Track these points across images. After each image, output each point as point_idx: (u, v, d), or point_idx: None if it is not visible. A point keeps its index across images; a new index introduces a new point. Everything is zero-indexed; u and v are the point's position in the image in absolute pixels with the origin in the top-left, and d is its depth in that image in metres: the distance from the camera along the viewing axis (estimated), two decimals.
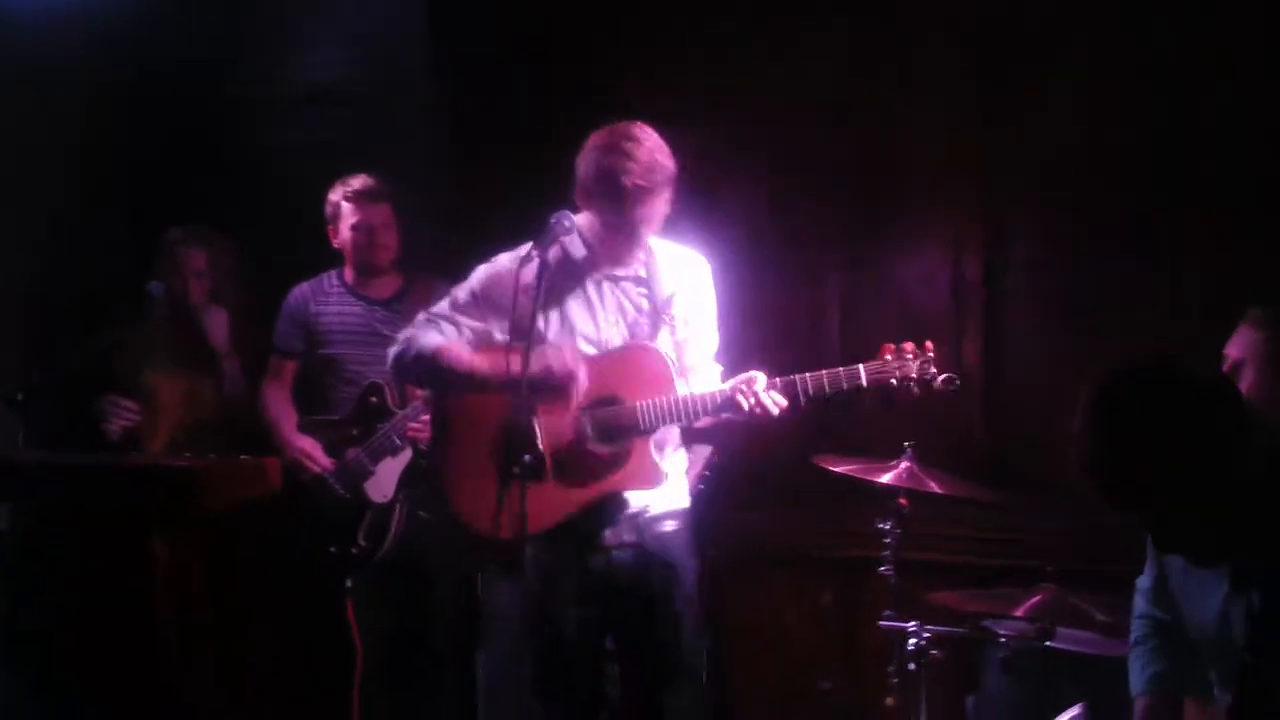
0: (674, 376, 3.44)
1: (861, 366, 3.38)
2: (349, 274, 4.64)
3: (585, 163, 3.45)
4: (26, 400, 3.84)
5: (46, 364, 4.01)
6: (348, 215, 4.55)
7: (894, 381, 3.35)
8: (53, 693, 4.19)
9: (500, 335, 3.53)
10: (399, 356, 3.61)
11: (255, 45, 5.58)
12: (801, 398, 3.40)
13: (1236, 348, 3.36)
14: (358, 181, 4.57)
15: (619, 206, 3.40)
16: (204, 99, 5.52)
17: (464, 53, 5.26)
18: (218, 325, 4.65)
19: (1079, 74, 4.56)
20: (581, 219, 3.49)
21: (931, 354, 3.40)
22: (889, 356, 3.37)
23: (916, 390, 3.38)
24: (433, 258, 4.78)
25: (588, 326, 3.53)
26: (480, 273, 3.62)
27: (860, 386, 3.37)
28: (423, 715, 4.59)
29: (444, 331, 3.58)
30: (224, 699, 4.69)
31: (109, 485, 3.97)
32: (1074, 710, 3.30)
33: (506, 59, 5.20)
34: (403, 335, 3.64)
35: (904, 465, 3.96)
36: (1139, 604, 2.85)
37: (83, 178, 5.44)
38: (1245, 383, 3.27)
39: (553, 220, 3.35)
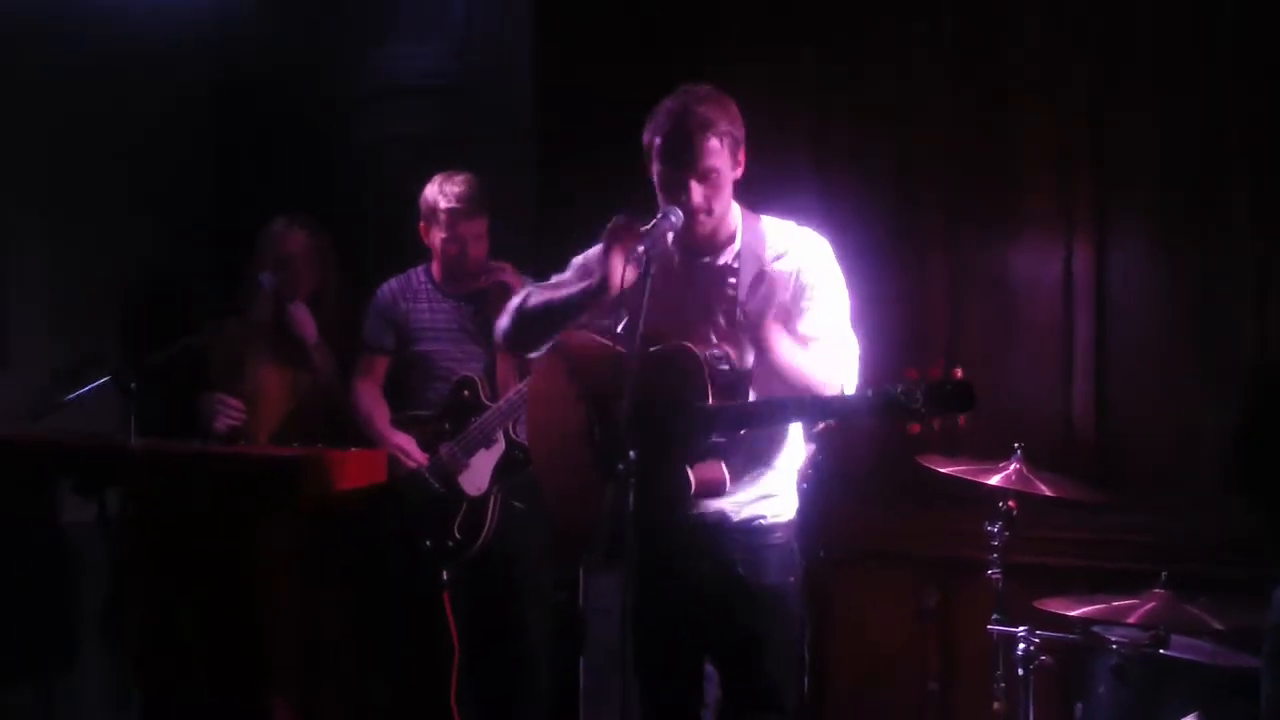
0: (707, 382, 3.22)
1: (869, 392, 3.09)
2: (437, 271, 4.62)
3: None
4: (140, 389, 3.87)
5: (154, 354, 4.02)
6: (442, 224, 4.49)
7: (900, 415, 3.00)
8: (152, 672, 4.24)
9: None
10: (513, 312, 3.47)
11: (351, 38, 5.59)
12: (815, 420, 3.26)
13: None
14: (456, 191, 4.47)
15: (653, 165, 3.30)
16: (299, 92, 5.55)
17: (566, 48, 5.23)
18: (303, 317, 4.65)
19: (1190, 62, 4.44)
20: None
21: (950, 386, 2.98)
22: (900, 387, 2.98)
23: (935, 426, 3.01)
24: (521, 252, 4.75)
25: (670, 318, 3.33)
26: (595, 249, 3.47)
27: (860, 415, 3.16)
28: (520, 709, 4.57)
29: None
30: (320, 690, 4.74)
31: (219, 474, 4.00)
32: None
33: (608, 55, 5.16)
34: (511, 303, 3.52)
35: (1013, 467, 3.87)
36: (1275, 614, 2.71)
37: (178, 172, 5.48)
38: None
39: (660, 214, 3.24)
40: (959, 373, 2.99)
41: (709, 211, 3.30)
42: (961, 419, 2.98)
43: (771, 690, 3.41)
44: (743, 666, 3.42)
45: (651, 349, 3.27)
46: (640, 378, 3.10)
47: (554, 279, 3.53)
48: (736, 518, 3.36)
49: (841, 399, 3.21)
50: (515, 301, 3.49)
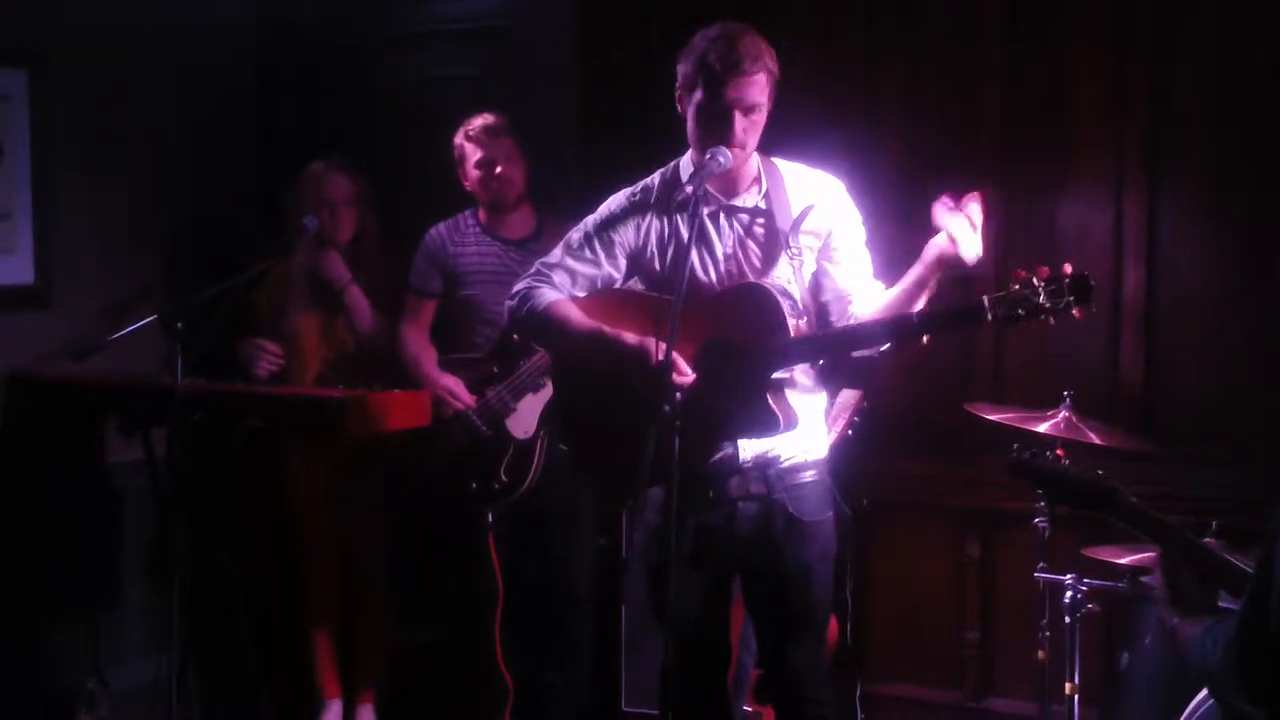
0: (787, 315, 3.20)
1: (985, 299, 3.03)
2: (483, 214, 4.62)
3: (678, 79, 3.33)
4: (186, 328, 3.87)
5: (198, 294, 4.03)
6: (470, 155, 4.53)
7: (1021, 313, 3.00)
8: (195, 612, 4.27)
9: (616, 275, 3.41)
10: (512, 312, 3.44)
11: None
12: (921, 336, 3.14)
13: None
14: (478, 120, 4.54)
15: (698, 96, 3.23)
16: (345, 33, 5.53)
17: None
18: (333, 260, 4.65)
19: (1249, 15, 4.38)
20: (691, 154, 3.36)
21: (1067, 279, 2.97)
22: (1017, 285, 3.00)
23: (1051, 320, 3.00)
24: (564, 196, 4.73)
25: (705, 263, 3.34)
26: (596, 214, 3.47)
27: (984, 320, 3.04)
28: (561, 651, 4.60)
29: (557, 283, 3.42)
30: (362, 630, 4.77)
31: (265, 414, 4.00)
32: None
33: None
34: (516, 288, 3.45)
35: (1062, 414, 3.82)
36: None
37: (223, 112, 5.48)
38: None
39: (708, 155, 3.20)
40: (1068, 268, 2.99)
41: (743, 146, 3.26)
42: (1078, 311, 2.98)
43: (803, 621, 3.42)
44: (775, 596, 3.42)
45: (724, 288, 3.31)
46: (711, 317, 3.17)
47: (560, 253, 3.44)
48: (771, 454, 3.35)
49: (949, 310, 3.17)
50: (509, 304, 3.45)
